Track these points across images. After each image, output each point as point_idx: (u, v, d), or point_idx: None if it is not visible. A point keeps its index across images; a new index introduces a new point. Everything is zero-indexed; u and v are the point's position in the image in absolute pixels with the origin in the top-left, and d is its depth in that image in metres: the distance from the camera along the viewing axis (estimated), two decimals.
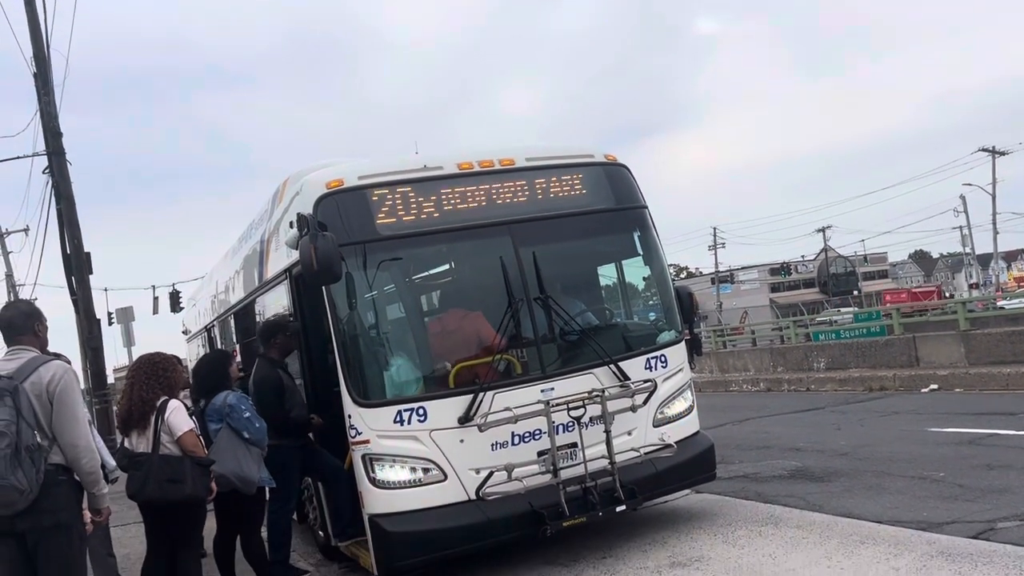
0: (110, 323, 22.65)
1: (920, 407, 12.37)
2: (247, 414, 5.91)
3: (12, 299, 37.43)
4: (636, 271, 7.13)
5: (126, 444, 5.57)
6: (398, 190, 6.11)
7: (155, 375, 5.48)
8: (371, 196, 6.06)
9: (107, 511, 4.43)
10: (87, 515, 4.45)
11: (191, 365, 9.01)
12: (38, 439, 4.12)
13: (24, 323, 4.48)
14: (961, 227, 62.75)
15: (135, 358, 6.03)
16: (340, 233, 5.71)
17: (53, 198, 15.66)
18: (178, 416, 5.40)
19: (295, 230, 5.88)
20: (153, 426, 5.33)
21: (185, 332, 15.85)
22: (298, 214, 5.84)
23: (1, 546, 4.22)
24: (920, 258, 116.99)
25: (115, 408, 6.41)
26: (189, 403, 6.20)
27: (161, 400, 5.40)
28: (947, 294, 61.39)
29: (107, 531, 6.37)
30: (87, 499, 4.40)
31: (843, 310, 46.10)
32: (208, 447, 5.80)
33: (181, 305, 28.50)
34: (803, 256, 79.81)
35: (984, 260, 67.43)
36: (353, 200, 6.02)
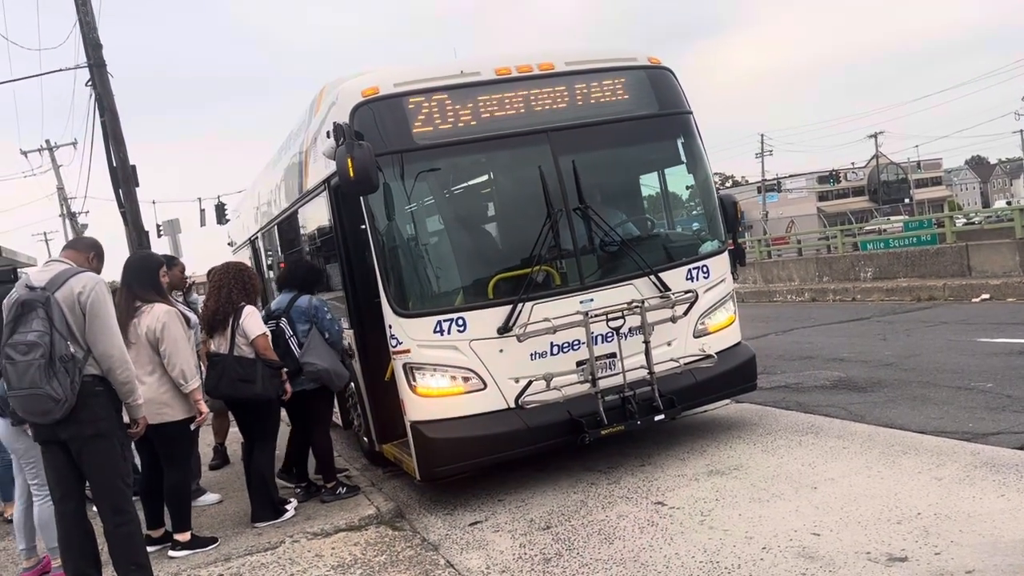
0: (159, 235, 23.00)
1: (970, 317, 12.11)
2: (328, 316, 6.34)
3: (69, 212, 38.46)
4: (679, 179, 6.94)
5: (211, 346, 5.88)
6: (434, 97, 5.98)
7: (242, 281, 5.96)
8: (407, 104, 5.93)
9: (143, 421, 4.53)
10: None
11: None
12: (71, 349, 4.16)
13: (78, 243, 4.68)
14: (1022, 130, 60.21)
15: (218, 265, 6.36)
16: (376, 142, 5.63)
17: (97, 111, 15.75)
18: (252, 320, 5.81)
19: (332, 140, 5.81)
20: (231, 328, 5.76)
21: (231, 244, 16.05)
22: (334, 123, 5.76)
23: (48, 453, 4.44)
24: (977, 164, 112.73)
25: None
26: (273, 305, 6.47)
27: (240, 304, 5.82)
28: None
29: (196, 429, 6.63)
30: (126, 408, 4.49)
31: (893, 219, 44.97)
32: (299, 347, 6.17)
33: (227, 217, 28.77)
34: (853, 163, 77.68)
35: None
36: (389, 108, 5.91)
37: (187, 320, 5.40)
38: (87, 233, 40.40)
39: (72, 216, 39.72)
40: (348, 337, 6.88)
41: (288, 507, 6.02)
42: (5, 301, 4.39)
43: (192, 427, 5.09)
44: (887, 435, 6.25)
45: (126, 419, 4.55)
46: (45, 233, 55.71)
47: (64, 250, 4.64)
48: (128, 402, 4.43)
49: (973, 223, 30.71)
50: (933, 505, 4.68)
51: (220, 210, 31.80)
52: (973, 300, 14.02)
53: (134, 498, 4.65)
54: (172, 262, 6.71)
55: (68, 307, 4.20)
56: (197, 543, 5.42)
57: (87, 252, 4.61)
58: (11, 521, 6.65)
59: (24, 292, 4.24)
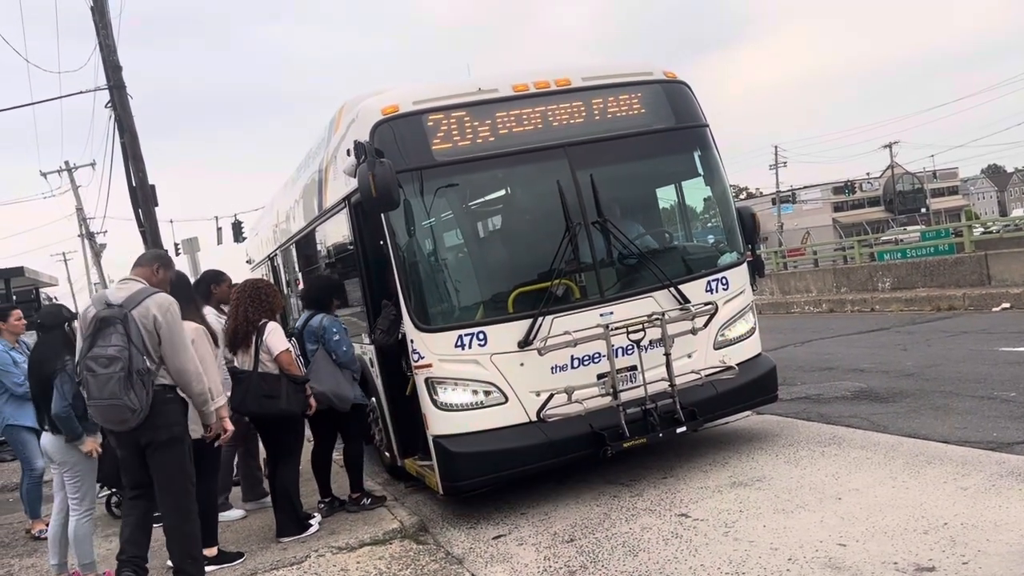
0: (177, 253, 23.21)
1: (991, 326, 12.04)
2: (336, 337, 6.25)
3: (88, 232, 38.99)
4: (697, 192, 6.97)
5: (235, 362, 5.99)
6: (453, 114, 6.05)
7: (258, 299, 5.97)
8: (427, 121, 6.01)
9: (218, 426, 4.83)
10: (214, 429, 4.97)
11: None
12: (147, 363, 4.49)
13: (143, 259, 4.97)
14: None
15: (239, 283, 6.51)
16: (397, 159, 5.69)
17: (116, 132, 15.97)
18: (275, 337, 5.87)
19: (352, 158, 5.89)
20: (254, 345, 5.83)
21: (249, 261, 16.17)
22: (355, 141, 5.84)
23: (126, 455, 4.77)
24: (994, 173, 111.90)
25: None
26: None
27: (262, 322, 5.87)
28: None
29: (257, 447, 6.70)
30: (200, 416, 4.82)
31: (909, 229, 44.75)
32: (306, 366, 6.18)
33: (244, 235, 28.99)
34: (868, 174, 77.40)
35: None
36: (409, 126, 5.98)
37: (215, 338, 5.48)
38: (106, 253, 40.95)
39: (91, 236, 40.17)
40: (369, 352, 6.94)
41: (312, 522, 6.05)
42: (81, 316, 4.77)
43: (216, 444, 5.16)
44: (911, 445, 6.22)
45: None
46: (64, 253, 56.29)
47: (134, 268, 4.95)
48: (203, 410, 4.77)
49: (991, 232, 30.54)
50: (959, 515, 4.66)
51: (237, 228, 32.01)
52: (993, 309, 13.93)
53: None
54: (220, 277, 6.86)
55: (143, 325, 4.53)
56: (224, 558, 5.46)
57: (151, 265, 4.94)
58: (37, 538, 6.75)
59: (103, 308, 4.58)
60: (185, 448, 4.72)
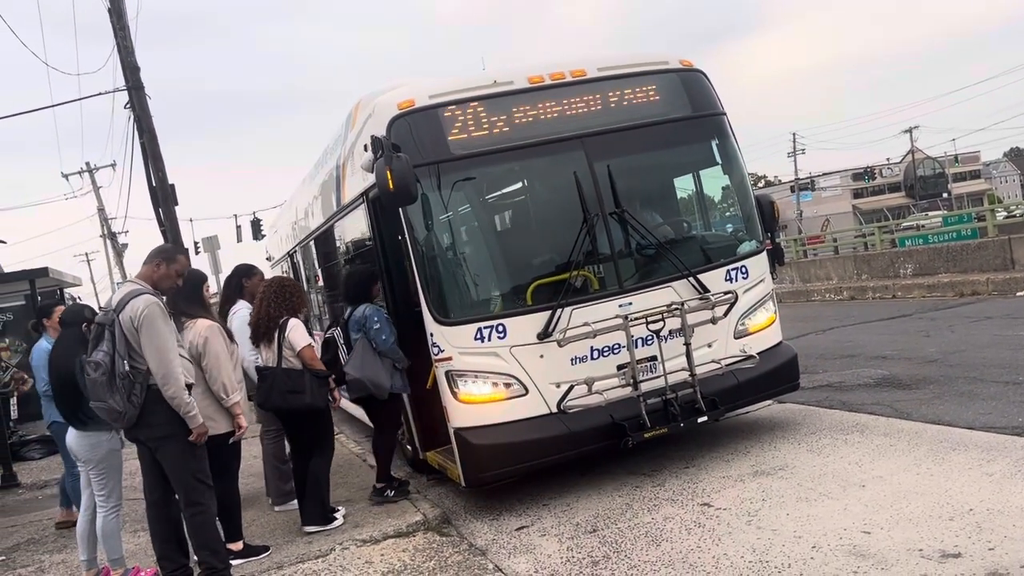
0: (196, 252, 23.40)
1: (1015, 311, 11.90)
2: (376, 326, 6.30)
3: (109, 232, 39.38)
4: (715, 180, 6.93)
5: (259, 358, 6.10)
6: (469, 107, 6.05)
7: (282, 296, 6.07)
8: (443, 115, 6.01)
9: (198, 430, 4.80)
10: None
11: None
12: (127, 367, 4.58)
13: (149, 256, 5.03)
14: None
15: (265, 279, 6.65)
16: (414, 154, 5.71)
17: (136, 132, 16.10)
18: (297, 333, 5.95)
19: (370, 153, 5.91)
20: (276, 341, 5.92)
21: (269, 258, 16.29)
22: (372, 136, 5.86)
23: (139, 450, 4.99)
24: (1016, 156, 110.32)
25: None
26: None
27: (284, 319, 5.94)
28: None
29: (282, 443, 6.78)
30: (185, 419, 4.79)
31: (931, 214, 44.28)
32: (349, 354, 6.28)
33: (263, 232, 29.17)
34: (888, 159, 76.54)
35: None
36: (425, 120, 6.00)
37: (229, 335, 5.53)
38: (127, 252, 41.36)
39: (112, 236, 40.58)
40: None
41: (337, 515, 6.11)
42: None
43: (231, 440, 5.22)
44: (935, 432, 6.18)
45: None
46: (87, 254, 56.92)
47: (142, 264, 5.04)
48: (180, 413, 4.73)
49: (1014, 216, 30.15)
50: (985, 501, 4.62)
51: (256, 226, 32.23)
52: (1018, 294, 13.76)
53: None
54: (252, 271, 6.97)
55: (127, 328, 4.63)
56: (250, 552, 5.53)
57: (152, 262, 4.98)
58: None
59: (100, 314, 4.78)
60: (186, 443, 4.78)
